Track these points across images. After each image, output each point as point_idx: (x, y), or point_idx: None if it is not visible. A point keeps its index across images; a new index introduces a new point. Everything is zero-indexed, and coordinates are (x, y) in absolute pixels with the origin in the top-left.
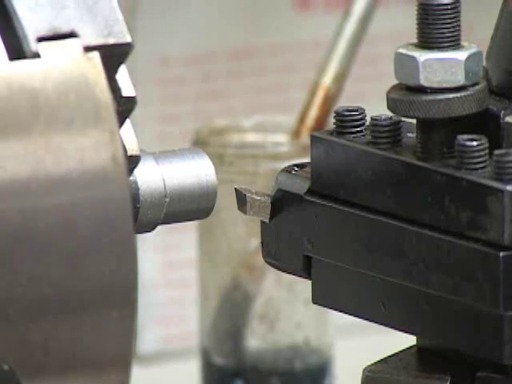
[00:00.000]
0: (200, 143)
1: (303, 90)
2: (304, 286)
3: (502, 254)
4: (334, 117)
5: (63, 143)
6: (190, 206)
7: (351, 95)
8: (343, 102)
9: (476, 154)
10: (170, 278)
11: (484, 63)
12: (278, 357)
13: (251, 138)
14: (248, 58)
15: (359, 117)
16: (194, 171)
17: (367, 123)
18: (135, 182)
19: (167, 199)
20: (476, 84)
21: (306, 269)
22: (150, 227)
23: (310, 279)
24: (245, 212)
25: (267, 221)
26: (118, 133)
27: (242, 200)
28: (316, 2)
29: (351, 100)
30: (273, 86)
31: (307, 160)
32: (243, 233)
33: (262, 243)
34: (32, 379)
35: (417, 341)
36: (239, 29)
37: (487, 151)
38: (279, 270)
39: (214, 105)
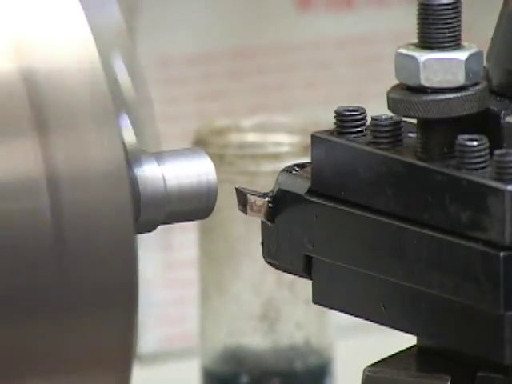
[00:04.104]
0: (200, 143)
1: (303, 89)
2: (304, 286)
3: (502, 253)
4: (335, 117)
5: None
6: (190, 206)
7: (351, 95)
8: (343, 102)
9: (476, 154)
10: (170, 278)
11: (484, 63)
12: (279, 357)
13: (251, 138)
14: (249, 58)
15: (360, 117)
16: (194, 171)
17: (368, 123)
18: (136, 182)
19: (168, 199)
20: (476, 84)
21: (306, 269)
22: (150, 227)
23: (311, 279)
24: (245, 212)
25: (268, 221)
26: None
27: (242, 200)
28: (317, 2)
29: (351, 100)
30: (273, 85)
31: (308, 160)
32: (243, 233)
33: (263, 243)
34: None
35: (417, 341)
36: (240, 29)
37: (488, 151)
38: (280, 269)
39: (215, 105)
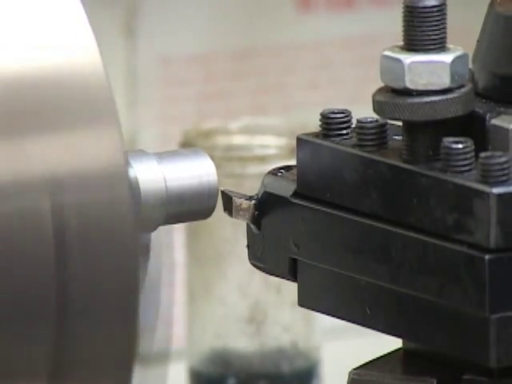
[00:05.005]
0: (187, 145)
1: (304, 90)
2: (291, 289)
3: (487, 256)
4: (320, 119)
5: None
6: (191, 207)
7: (352, 95)
8: (344, 103)
9: (462, 157)
10: (169, 278)
11: (470, 65)
12: (266, 359)
13: (238, 140)
14: (249, 59)
15: (345, 119)
16: (195, 171)
17: (353, 125)
18: (136, 182)
19: (168, 200)
20: (462, 86)
21: (292, 271)
22: (151, 228)
23: (296, 281)
24: (231, 215)
25: (253, 224)
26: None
27: (227, 202)
28: (317, 2)
29: (352, 100)
30: (274, 86)
31: (294, 162)
32: (230, 235)
33: (248, 246)
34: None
35: (403, 344)
36: (240, 29)
37: (473, 154)
38: (265, 272)
39: (215, 105)
